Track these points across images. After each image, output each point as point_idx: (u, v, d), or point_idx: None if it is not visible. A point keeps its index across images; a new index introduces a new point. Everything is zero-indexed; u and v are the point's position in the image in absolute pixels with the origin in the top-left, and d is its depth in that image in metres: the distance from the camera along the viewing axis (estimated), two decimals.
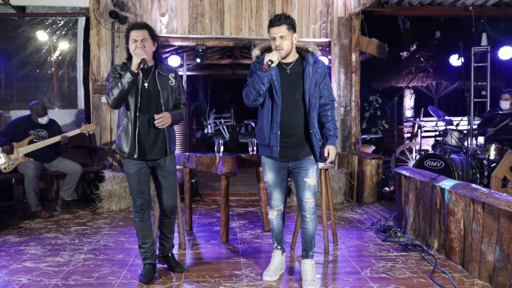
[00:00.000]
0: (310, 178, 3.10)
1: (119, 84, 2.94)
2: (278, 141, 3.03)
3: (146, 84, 3.07)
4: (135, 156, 3.07)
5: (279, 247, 3.34)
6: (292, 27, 2.99)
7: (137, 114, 3.04)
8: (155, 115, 3.04)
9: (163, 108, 3.10)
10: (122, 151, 3.10)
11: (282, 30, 2.96)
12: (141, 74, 3.04)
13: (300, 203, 3.14)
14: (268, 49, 3.13)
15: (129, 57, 3.09)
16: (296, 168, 3.13)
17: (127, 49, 3.10)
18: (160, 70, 3.14)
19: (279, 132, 3.02)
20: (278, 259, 3.32)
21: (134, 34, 3.02)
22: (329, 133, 3.17)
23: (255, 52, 3.17)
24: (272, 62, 2.89)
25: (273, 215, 3.27)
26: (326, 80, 3.15)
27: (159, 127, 3.06)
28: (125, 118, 3.08)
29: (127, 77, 2.92)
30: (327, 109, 3.17)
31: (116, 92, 2.94)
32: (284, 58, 3.02)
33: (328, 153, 3.15)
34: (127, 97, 3.01)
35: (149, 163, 3.17)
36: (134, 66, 2.92)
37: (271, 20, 2.99)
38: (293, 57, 3.08)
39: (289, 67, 3.07)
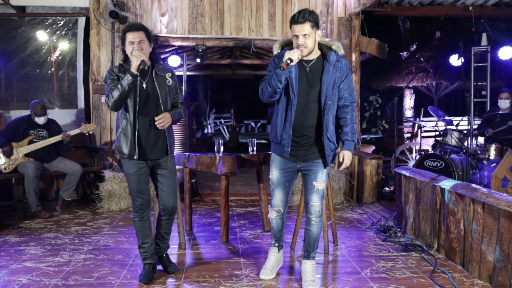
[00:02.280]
0: (319, 182, 3.00)
1: (119, 86, 2.93)
2: (289, 141, 2.93)
3: (144, 85, 3.06)
4: (135, 157, 3.06)
5: (276, 244, 3.32)
6: (316, 24, 2.85)
7: (136, 115, 3.04)
8: (155, 117, 3.04)
9: (162, 108, 3.10)
10: (122, 153, 3.09)
11: (305, 28, 2.81)
12: (139, 76, 3.02)
13: (306, 206, 3.08)
14: (289, 44, 2.99)
15: (125, 59, 3.10)
16: (305, 170, 3.03)
17: (123, 51, 3.09)
18: (157, 70, 3.14)
19: (291, 132, 2.92)
20: (274, 256, 3.31)
21: (130, 36, 3.01)
22: (346, 138, 3.02)
23: (276, 47, 3.04)
24: (291, 60, 2.76)
25: (273, 215, 3.21)
26: (348, 80, 2.99)
27: (160, 128, 3.05)
28: (124, 119, 3.07)
29: (127, 79, 2.91)
30: (346, 111, 3.03)
31: (116, 94, 2.93)
32: (305, 56, 2.90)
33: (343, 159, 3.00)
34: (127, 99, 3.00)
35: (149, 162, 3.16)
36: (134, 68, 2.91)
37: (294, 16, 2.84)
38: (314, 54, 2.94)
39: (309, 65, 2.93)
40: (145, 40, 3.04)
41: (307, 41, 2.84)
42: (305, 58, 2.92)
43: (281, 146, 2.98)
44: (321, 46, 2.99)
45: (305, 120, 2.92)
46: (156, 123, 3.03)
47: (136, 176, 3.12)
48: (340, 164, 3.05)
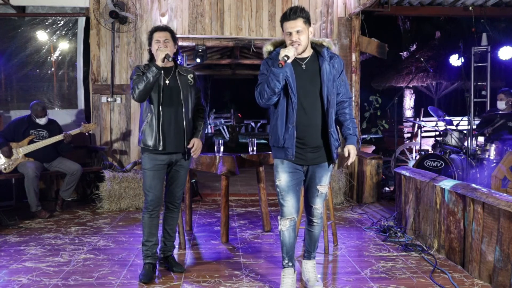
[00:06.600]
0: (323, 186, 2.94)
1: (144, 78, 3.14)
2: (293, 143, 2.79)
3: (167, 82, 3.27)
4: (160, 148, 3.20)
5: (290, 264, 2.97)
6: (308, 20, 2.79)
7: (160, 109, 3.23)
8: (188, 146, 3.31)
9: (183, 104, 3.27)
10: (146, 145, 3.23)
11: (298, 24, 2.75)
12: (162, 73, 3.23)
13: (308, 208, 3.03)
14: (281, 44, 2.91)
15: (151, 58, 3.33)
16: (310, 173, 2.94)
17: (149, 51, 3.32)
18: (180, 70, 3.36)
19: (295, 133, 2.80)
20: (290, 279, 2.96)
21: (157, 35, 3.25)
22: (349, 132, 2.95)
23: (267, 47, 2.94)
24: (288, 57, 2.66)
25: (285, 226, 2.90)
26: (343, 76, 2.94)
27: (194, 156, 3.34)
28: (149, 113, 3.25)
29: (152, 71, 3.12)
30: (345, 106, 2.97)
31: (141, 85, 3.13)
32: (299, 53, 2.82)
33: (349, 153, 2.91)
34: (151, 91, 3.19)
35: (167, 159, 3.27)
36: (159, 61, 3.12)
37: (286, 13, 2.77)
38: (308, 52, 2.87)
39: (304, 63, 2.85)
40: (170, 40, 3.28)
41: (301, 37, 2.77)
42: (299, 56, 2.85)
43: (283, 149, 2.83)
44: (312, 45, 2.92)
45: (309, 119, 2.82)
46: (192, 154, 3.33)
47: (151, 171, 3.24)
48: (346, 159, 2.96)
